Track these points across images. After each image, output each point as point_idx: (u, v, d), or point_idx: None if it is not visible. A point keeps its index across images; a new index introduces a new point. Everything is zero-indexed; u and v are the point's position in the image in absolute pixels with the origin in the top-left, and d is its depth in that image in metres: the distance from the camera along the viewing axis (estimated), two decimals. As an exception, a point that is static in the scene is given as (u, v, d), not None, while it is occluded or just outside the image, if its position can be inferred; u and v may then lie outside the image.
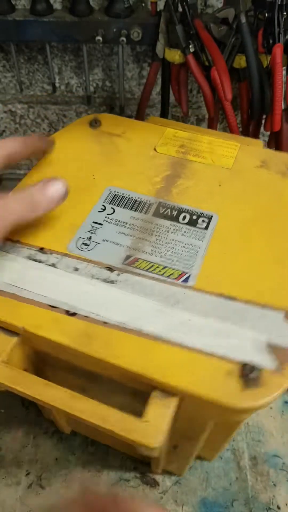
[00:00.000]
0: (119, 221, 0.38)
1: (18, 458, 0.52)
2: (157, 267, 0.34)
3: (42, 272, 0.34)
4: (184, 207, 0.40)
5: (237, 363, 0.29)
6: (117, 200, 0.40)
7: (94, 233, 0.37)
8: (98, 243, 0.36)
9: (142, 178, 0.43)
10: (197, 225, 0.38)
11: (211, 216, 0.39)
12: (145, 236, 0.37)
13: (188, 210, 0.40)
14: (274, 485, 0.50)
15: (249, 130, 0.70)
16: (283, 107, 0.63)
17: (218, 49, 0.61)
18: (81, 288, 0.33)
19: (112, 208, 0.39)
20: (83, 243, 0.36)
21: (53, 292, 0.33)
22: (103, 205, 0.40)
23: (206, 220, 0.39)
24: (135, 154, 0.46)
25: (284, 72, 0.60)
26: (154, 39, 0.65)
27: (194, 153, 0.45)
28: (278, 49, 0.59)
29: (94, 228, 0.37)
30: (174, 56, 0.64)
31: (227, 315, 0.32)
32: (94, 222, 0.38)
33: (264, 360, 0.29)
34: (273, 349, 0.30)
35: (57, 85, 0.78)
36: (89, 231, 0.37)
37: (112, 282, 0.33)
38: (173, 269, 0.34)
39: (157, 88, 0.76)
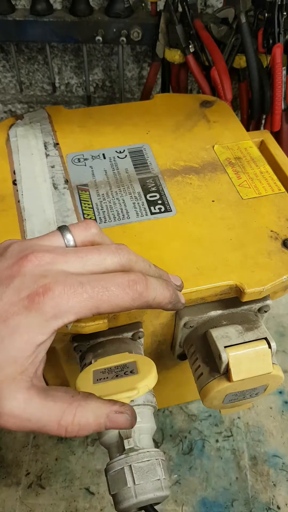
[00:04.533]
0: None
1: (18, 458, 0.52)
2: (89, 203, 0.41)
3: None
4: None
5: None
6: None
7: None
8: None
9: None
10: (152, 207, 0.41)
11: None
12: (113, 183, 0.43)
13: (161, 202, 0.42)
14: (274, 485, 0.50)
15: (249, 130, 0.70)
16: (283, 107, 0.63)
17: (218, 49, 0.62)
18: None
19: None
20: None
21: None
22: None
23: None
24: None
25: (284, 72, 0.60)
26: (154, 39, 0.65)
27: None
28: (278, 49, 0.59)
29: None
30: (174, 56, 0.64)
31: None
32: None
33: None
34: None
35: (57, 85, 0.78)
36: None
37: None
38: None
39: (157, 88, 0.76)
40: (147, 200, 0.41)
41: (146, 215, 0.40)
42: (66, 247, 0.27)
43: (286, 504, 0.49)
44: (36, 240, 0.27)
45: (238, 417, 0.55)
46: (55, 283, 0.24)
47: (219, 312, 0.36)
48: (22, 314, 0.23)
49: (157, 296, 0.27)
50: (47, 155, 0.45)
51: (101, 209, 0.40)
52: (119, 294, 0.25)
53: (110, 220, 0.39)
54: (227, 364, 0.33)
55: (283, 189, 0.43)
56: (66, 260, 0.26)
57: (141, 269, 0.28)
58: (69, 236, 0.27)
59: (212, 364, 0.34)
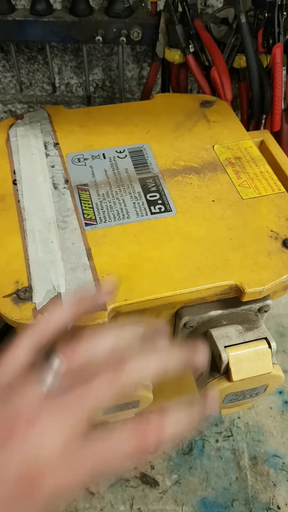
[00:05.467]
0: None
1: (18, 458, 0.52)
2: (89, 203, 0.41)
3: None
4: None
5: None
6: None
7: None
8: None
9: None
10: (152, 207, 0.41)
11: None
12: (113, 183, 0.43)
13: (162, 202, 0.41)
14: (274, 485, 0.50)
15: (249, 130, 0.70)
16: (283, 107, 0.63)
17: (218, 49, 0.62)
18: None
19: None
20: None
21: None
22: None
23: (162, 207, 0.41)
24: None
25: (284, 72, 0.60)
26: (154, 39, 0.65)
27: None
28: (278, 49, 0.59)
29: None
30: (174, 56, 0.64)
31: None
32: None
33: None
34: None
35: (57, 85, 0.78)
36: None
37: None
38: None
39: (157, 88, 0.76)
40: (147, 200, 0.41)
41: (146, 215, 0.40)
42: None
43: (286, 504, 0.49)
44: (14, 398, 0.25)
45: (238, 417, 0.55)
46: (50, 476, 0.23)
47: (219, 312, 0.36)
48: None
49: None
50: (47, 155, 0.45)
51: (101, 209, 0.40)
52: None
53: (110, 220, 0.39)
54: (227, 364, 0.33)
55: (283, 189, 0.43)
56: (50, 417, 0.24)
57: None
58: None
59: (212, 364, 0.34)
